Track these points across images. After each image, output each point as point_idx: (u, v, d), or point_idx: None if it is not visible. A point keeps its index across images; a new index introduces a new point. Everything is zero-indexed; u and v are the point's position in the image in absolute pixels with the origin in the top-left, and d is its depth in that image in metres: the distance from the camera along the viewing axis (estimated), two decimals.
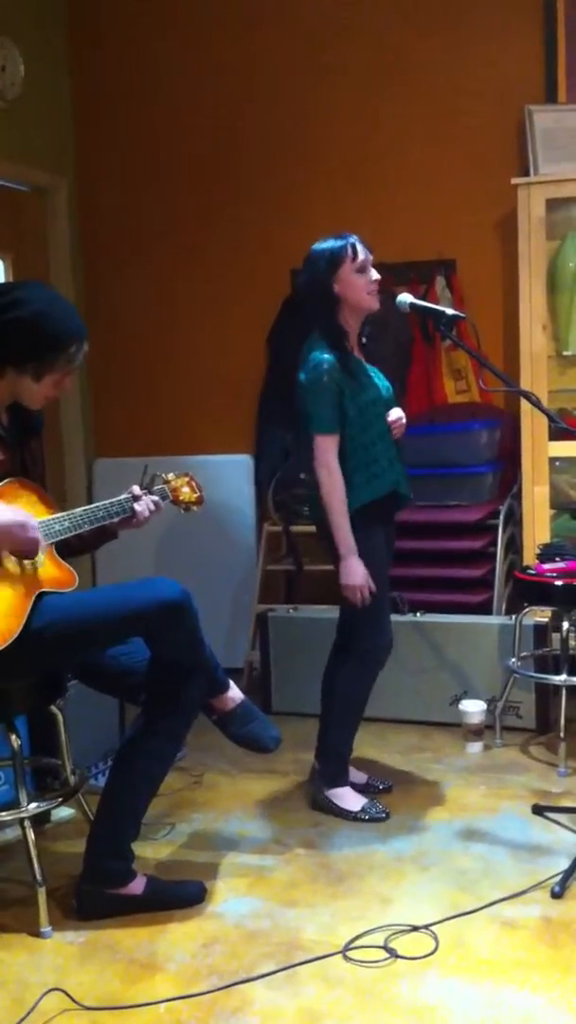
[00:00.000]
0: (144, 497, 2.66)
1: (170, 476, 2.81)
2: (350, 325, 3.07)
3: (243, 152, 4.77)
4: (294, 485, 4.26)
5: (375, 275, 3.03)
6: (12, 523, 2.34)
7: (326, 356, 2.98)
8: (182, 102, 4.83)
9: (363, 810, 3.11)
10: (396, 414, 3.12)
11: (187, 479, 2.83)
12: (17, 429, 2.58)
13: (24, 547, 2.38)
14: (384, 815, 3.09)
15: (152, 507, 2.67)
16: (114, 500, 2.62)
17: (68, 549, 2.61)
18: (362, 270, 3.00)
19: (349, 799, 3.15)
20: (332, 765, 3.19)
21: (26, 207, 4.88)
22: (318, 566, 4.07)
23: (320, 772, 3.21)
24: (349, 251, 2.98)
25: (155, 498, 2.70)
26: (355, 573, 3.01)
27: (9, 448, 2.52)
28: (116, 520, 2.64)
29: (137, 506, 2.64)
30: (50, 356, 2.47)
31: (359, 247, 3.01)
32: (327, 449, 2.99)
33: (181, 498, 2.80)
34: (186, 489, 2.81)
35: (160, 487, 2.76)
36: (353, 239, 3.02)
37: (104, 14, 4.90)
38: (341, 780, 3.19)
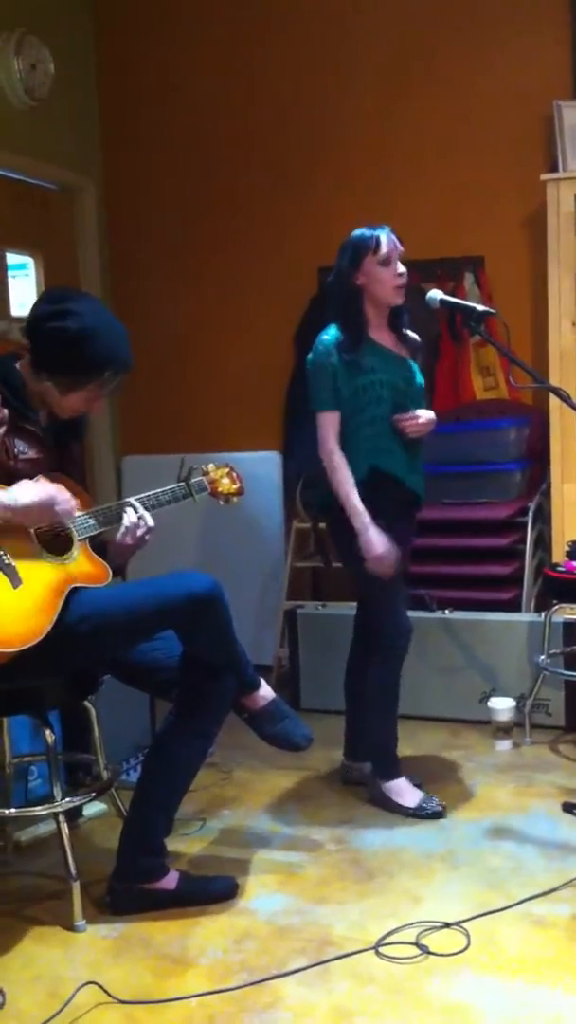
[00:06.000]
0: (139, 512, 2.60)
1: (209, 467, 2.78)
2: (371, 315, 3.04)
3: (270, 149, 4.77)
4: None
5: (400, 268, 3.00)
6: (42, 500, 2.34)
7: (327, 336, 3.00)
8: (209, 101, 4.84)
9: (420, 807, 3.08)
10: (415, 412, 3.03)
11: (227, 470, 2.81)
12: (57, 429, 2.57)
13: (55, 521, 2.39)
14: (441, 808, 3.06)
15: (134, 521, 2.58)
16: (122, 501, 2.63)
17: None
18: (385, 263, 2.97)
19: (406, 794, 3.12)
20: (383, 760, 3.17)
21: (54, 206, 4.90)
22: None
23: (373, 768, 3.20)
24: (373, 243, 2.96)
25: (146, 518, 2.60)
26: (376, 543, 2.91)
27: (46, 446, 2.51)
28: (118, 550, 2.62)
29: (127, 516, 2.58)
30: (81, 376, 2.45)
31: (383, 239, 2.97)
32: (325, 426, 2.99)
33: (220, 489, 2.78)
34: (226, 480, 2.79)
35: (198, 479, 2.74)
36: (382, 231, 2.98)
37: (133, 14, 4.92)
38: (394, 772, 3.16)
